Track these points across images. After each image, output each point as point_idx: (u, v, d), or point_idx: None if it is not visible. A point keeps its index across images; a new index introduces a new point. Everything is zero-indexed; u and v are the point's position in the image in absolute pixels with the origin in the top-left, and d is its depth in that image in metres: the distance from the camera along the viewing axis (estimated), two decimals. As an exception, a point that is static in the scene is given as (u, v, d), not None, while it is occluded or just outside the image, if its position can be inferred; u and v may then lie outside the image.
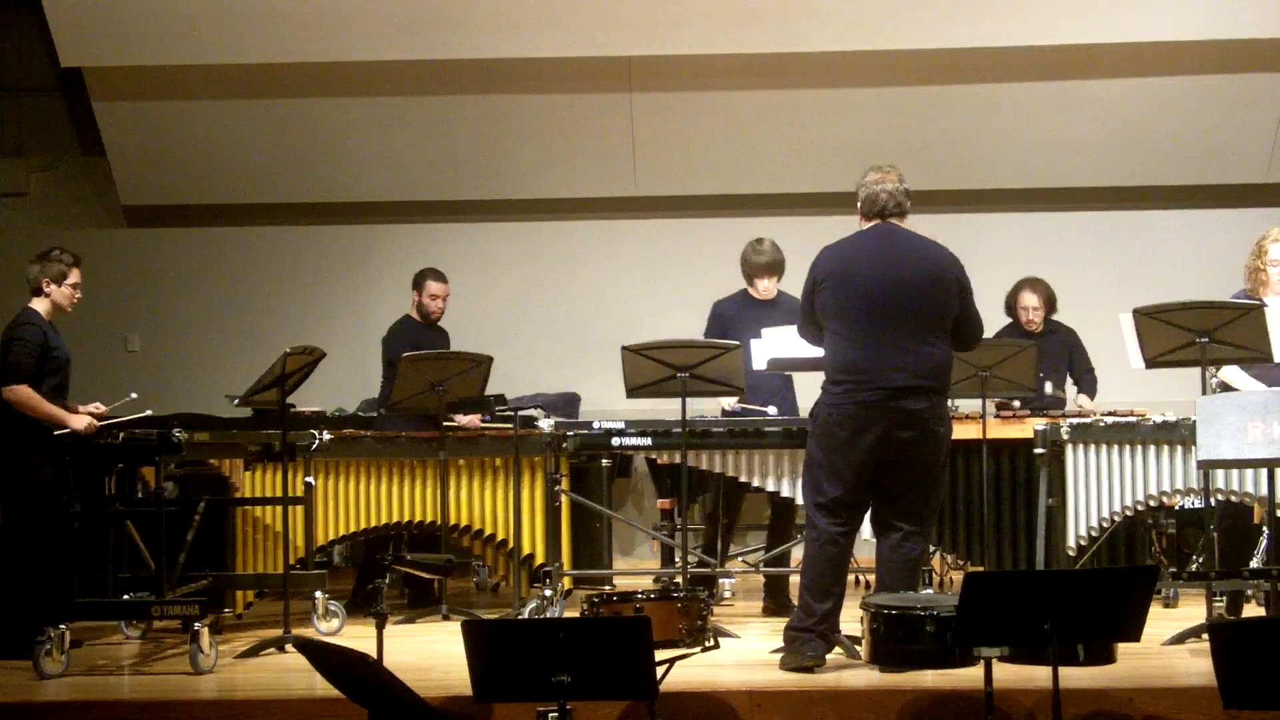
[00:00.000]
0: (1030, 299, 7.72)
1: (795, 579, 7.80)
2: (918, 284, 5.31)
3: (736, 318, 6.93)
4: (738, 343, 6.26)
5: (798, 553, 7.82)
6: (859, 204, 5.50)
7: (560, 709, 4.12)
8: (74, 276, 6.22)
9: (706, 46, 8.82)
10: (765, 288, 6.94)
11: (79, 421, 5.95)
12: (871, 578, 6.03)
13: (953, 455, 6.86)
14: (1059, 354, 7.77)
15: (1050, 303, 7.76)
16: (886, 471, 5.33)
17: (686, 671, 4.81)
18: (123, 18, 8.72)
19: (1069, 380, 7.83)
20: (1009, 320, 7.85)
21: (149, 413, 6.18)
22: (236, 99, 9.23)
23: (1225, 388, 6.39)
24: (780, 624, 6.41)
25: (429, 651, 6.01)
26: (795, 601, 6.86)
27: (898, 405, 5.25)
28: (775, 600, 6.92)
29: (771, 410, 6.88)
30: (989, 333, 7.53)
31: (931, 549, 6.91)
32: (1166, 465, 6.14)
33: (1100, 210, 9.49)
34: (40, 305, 6.18)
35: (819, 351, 5.54)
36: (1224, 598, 6.21)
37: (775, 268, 6.92)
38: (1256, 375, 6.40)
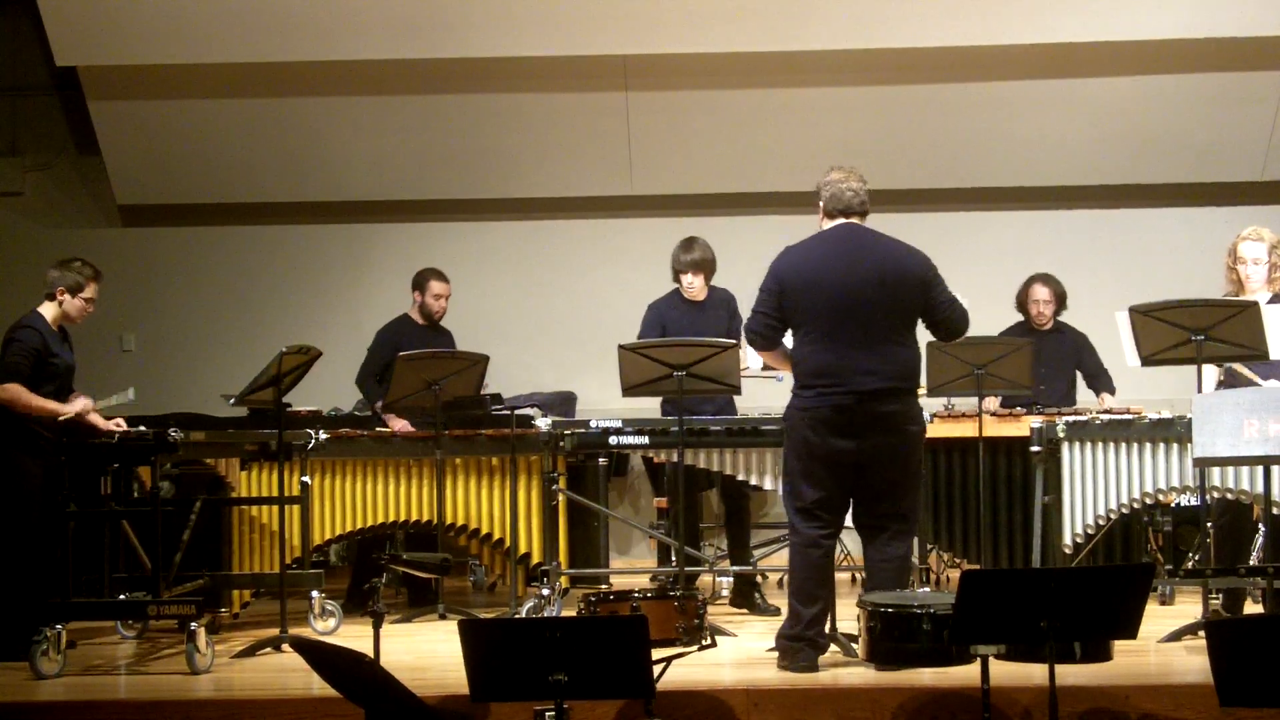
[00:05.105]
0: (1041, 292, 7.75)
1: (774, 577, 7.85)
2: (885, 284, 5.30)
3: (674, 318, 6.96)
4: (734, 341, 6.26)
5: (779, 551, 7.87)
6: (822, 203, 5.49)
7: (557, 708, 4.12)
8: (90, 291, 6.20)
9: (703, 45, 8.82)
10: (689, 283, 6.96)
11: (73, 407, 5.96)
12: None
13: (949, 453, 6.92)
14: (1066, 355, 7.79)
15: (1060, 298, 7.79)
16: (864, 474, 5.32)
17: (683, 670, 4.81)
18: (118, 17, 8.71)
19: (1080, 382, 7.85)
20: (1019, 318, 7.87)
21: (132, 395, 6.19)
22: (232, 98, 9.22)
23: (1231, 374, 6.36)
24: (767, 623, 6.43)
25: (426, 651, 6.02)
26: (762, 600, 6.91)
27: (871, 408, 5.25)
28: (748, 598, 6.91)
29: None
30: (994, 330, 7.59)
31: (929, 547, 6.92)
32: (1163, 463, 6.14)
33: (1096, 208, 9.51)
34: (48, 311, 6.17)
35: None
36: (1220, 595, 6.22)
37: (702, 265, 6.95)
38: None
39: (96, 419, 6.05)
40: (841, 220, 5.45)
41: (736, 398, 6.97)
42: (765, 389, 7.27)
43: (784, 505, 5.54)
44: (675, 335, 6.69)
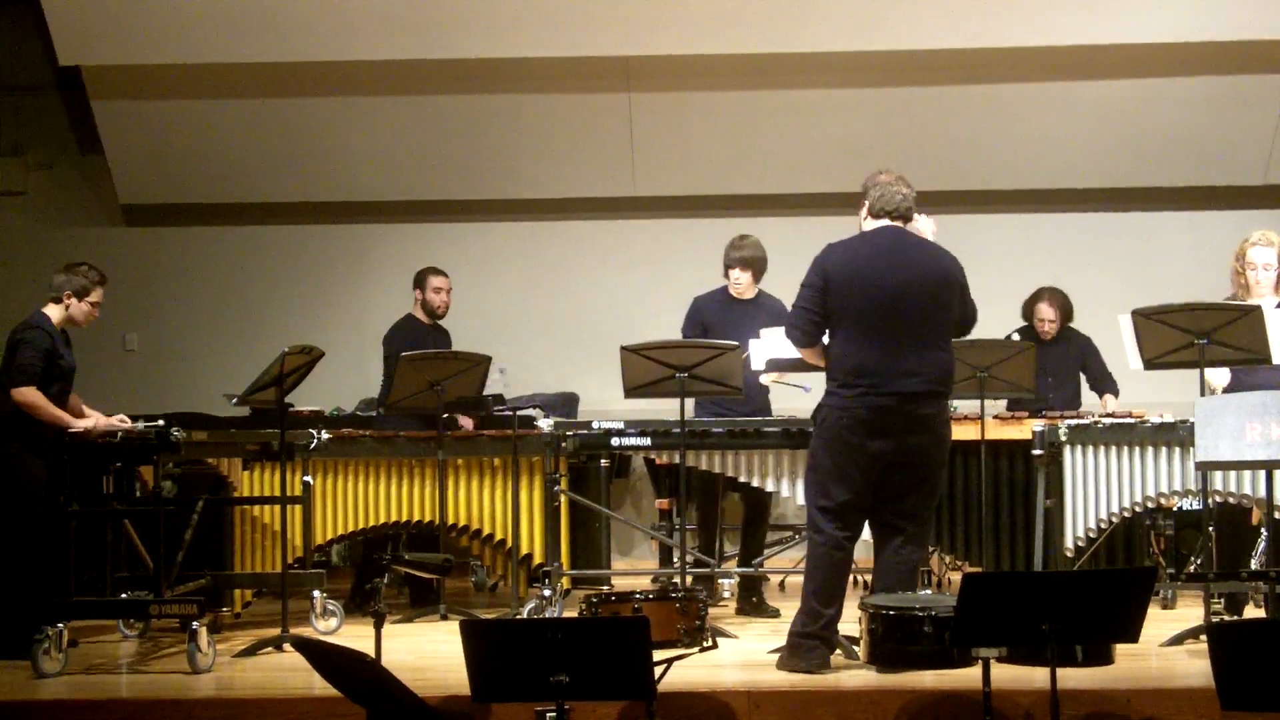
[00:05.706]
0: (1047, 311, 7.81)
1: (775, 579, 7.85)
2: (928, 288, 5.31)
3: (718, 316, 6.93)
4: (736, 343, 6.26)
5: (782, 553, 7.86)
6: (869, 202, 5.44)
7: (559, 709, 4.12)
8: (96, 295, 6.20)
9: (705, 46, 8.83)
10: (735, 278, 6.94)
11: (85, 422, 5.95)
12: (870, 577, 6.02)
13: (951, 456, 6.88)
14: (1071, 361, 7.83)
15: (1066, 313, 7.85)
16: (893, 473, 5.31)
17: (685, 671, 4.81)
18: (121, 16, 8.72)
19: (1084, 386, 7.87)
20: (1020, 322, 7.90)
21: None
22: (235, 98, 9.23)
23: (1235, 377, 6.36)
24: (770, 624, 6.43)
25: (427, 651, 6.01)
26: (767, 602, 6.91)
27: (910, 410, 5.24)
28: (749, 601, 6.92)
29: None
30: (999, 333, 7.61)
31: (930, 549, 6.91)
32: (1165, 466, 6.13)
33: (1099, 211, 9.51)
34: (53, 313, 6.17)
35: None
36: (1221, 599, 6.22)
37: (750, 263, 6.92)
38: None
39: (102, 423, 6.05)
40: (886, 222, 5.43)
41: (773, 400, 6.96)
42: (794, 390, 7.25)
43: (807, 504, 5.48)
44: (714, 331, 6.69)
